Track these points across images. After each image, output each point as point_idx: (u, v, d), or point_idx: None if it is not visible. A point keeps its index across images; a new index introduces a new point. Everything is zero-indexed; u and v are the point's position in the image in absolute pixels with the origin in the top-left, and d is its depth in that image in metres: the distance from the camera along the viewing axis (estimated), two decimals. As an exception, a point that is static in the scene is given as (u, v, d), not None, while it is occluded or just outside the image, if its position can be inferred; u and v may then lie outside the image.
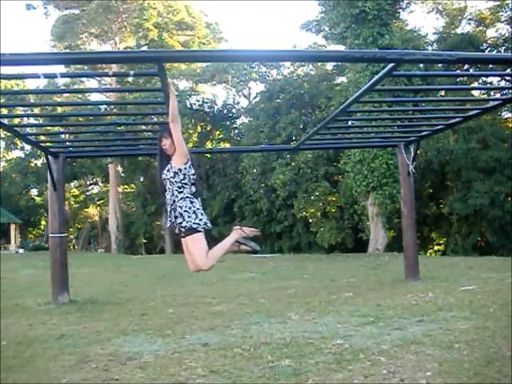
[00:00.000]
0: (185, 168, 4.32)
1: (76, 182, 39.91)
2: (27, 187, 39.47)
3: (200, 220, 4.23)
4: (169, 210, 4.32)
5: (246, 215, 26.87)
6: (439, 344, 4.16)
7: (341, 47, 21.79)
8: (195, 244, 4.23)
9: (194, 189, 4.36)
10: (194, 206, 4.26)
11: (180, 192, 4.28)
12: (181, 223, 4.19)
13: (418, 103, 14.72)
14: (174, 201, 4.28)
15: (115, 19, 31.49)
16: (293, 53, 4.94)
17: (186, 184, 4.31)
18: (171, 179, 4.33)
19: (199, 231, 4.20)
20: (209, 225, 4.30)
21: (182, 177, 4.29)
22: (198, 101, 30.73)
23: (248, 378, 3.59)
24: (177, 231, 4.30)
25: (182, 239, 4.31)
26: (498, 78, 23.87)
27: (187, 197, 4.27)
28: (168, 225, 4.36)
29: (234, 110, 31.08)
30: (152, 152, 10.34)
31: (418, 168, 15.73)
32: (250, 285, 9.92)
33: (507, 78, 20.69)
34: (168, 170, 4.33)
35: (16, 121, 10.60)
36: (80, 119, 15.56)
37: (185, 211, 4.21)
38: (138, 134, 9.70)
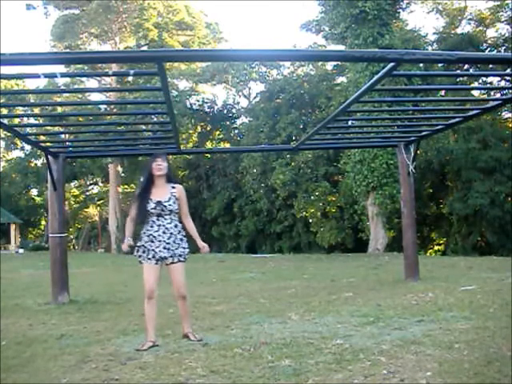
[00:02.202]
0: None
1: (76, 182, 39.91)
2: (27, 187, 39.48)
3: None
4: (167, 239, 4.54)
5: (246, 215, 26.86)
6: (439, 344, 4.16)
7: (341, 47, 21.78)
8: (184, 270, 4.69)
9: None
10: None
11: (180, 222, 4.69)
12: (185, 249, 4.63)
13: (418, 103, 14.72)
14: (180, 231, 4.62)
15: (115, 19, 31.48)
16: (293, 53, 4.93)
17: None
18: (175, 211, 4.63)
19: None
20: None
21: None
22: (198, 101, 30.75)
23: (248, 378, 3.58)
24: (171, 260, 4.58)
25: (169, 266, 4.60)
26: (498, 78, 23.86)
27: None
28: (168, 255, 4.56)
29: (234, 110, 31.08)
30: (152, 152, 10.36)
31: (417, 168, 15.72)
32: (249, 285, 9.92)
33: (507, 77, 20.69)
34: (174, 202, 4.59)
35: (16, 121, 10.60)
36: (80, 119, 15.56)
37: (185, 241, 4.67)
38: (137, 133, 9.70)
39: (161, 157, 4.66)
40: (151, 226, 4.54)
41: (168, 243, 4.51)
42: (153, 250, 4.51)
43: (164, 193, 4.58)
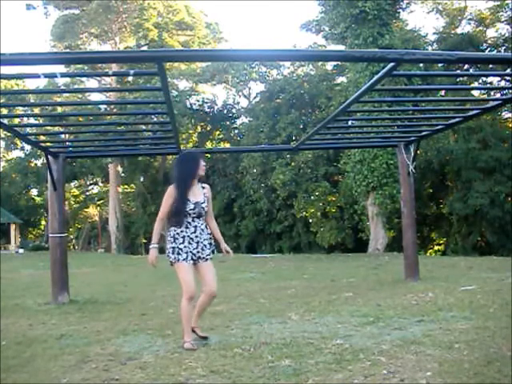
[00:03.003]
0: None
1: (76, 182, 39.89)
2: (27, 187, 39.47)
3: None
4: (203, 240, 4.53)
5: (246, 215, 26.87)
6: (439, 344, 4.16)
7: (341, 47, 21.78)
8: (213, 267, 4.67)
9: None
10: None
11: (205, 221, 4.65)
12: (214, 248, 4.65)
13: (418, 103, 14.72)
14: (208, 233, 4.61)
15: (115, 19, 31.48)
16: (293, 53, 4.92)
17: None
18: (204, 212, 4.60)
19: None
20: None
21: None
22: (198, 101, 30.77)
23: (248, 378, 3.59)
24: (205, 259, 4.57)
25: (200, 264, 4.56)
26: (498, 78, 23.88)
27: None
28: (206, 254, 4.56)
29: (234, 110, 31.09)
30: (152, 152, 10.36)
31: (417, 168, 15.73)
32: (250, 285, 9.92)
33: (507, 77, 20.70)
34: (206, 204, 4.58)
35: (16, 121, 10.60)
36: (80, 119, 15.56)
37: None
38: (137, 133, 9.71)
39: (202, 157, 4.69)
40: (186, 227, 4.46)
41: (205, 245, 4.52)
42: (190, 251, 4.45)
43: (198, 193, 4.55)
